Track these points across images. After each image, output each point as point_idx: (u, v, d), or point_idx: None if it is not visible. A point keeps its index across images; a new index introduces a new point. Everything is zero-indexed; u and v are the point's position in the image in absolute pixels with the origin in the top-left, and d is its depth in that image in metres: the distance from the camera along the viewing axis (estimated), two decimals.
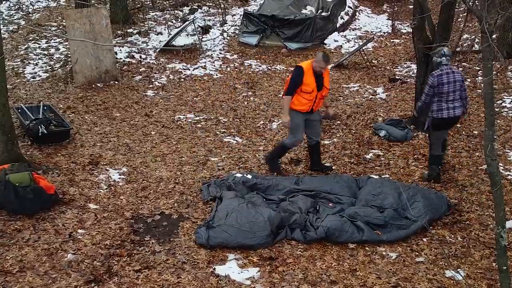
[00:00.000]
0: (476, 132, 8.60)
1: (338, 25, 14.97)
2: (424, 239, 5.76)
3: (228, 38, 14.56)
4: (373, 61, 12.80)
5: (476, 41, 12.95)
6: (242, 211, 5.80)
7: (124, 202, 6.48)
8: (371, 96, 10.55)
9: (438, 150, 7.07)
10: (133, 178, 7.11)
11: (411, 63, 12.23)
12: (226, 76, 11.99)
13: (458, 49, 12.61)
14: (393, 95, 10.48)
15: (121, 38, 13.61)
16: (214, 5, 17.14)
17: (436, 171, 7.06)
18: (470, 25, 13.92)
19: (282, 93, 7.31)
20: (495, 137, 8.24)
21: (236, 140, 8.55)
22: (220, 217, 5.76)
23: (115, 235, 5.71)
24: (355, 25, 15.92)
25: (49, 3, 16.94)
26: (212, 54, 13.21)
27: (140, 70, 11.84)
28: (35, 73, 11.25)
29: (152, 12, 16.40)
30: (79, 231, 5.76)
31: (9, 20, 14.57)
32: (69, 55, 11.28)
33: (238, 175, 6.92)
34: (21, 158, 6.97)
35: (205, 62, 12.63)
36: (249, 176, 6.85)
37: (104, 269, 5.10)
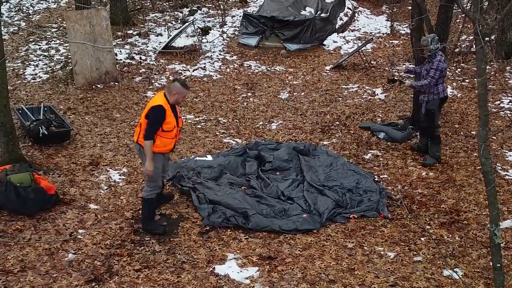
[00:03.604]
0: (474, 133, 8.65)
1: (337, 26, 15.01)
2: (422, 239, 5.81)
3: (228, 39, 14.61)
4: (372, 62, 12.84)
5: (474, 42, 12.99)
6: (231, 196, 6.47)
7: (124, 202, 6.53)
8: (370, 97, 10.60)
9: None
10: (133, 179, 7.16)
11: (409, 64, 12.28)
12: (225, 77, 12.04)
13: (456, 50, 12.67)
14: (391, 96, 10.53)
15: (121, 39, 13.66)
16: (213, 6, 17.19)
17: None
18: (469, 26, 13.95)
19: (137, 136, 5.72)
20: (494, 137, 8.30)
21: (236, 141, 8.59)
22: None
23: (116, 235, 5.76)
24: (354, 26, 15.97)
25: (50, 4, 16.99)
26: (211, 55, 13.25)
27: (140, 71, 11.89)
28: (36, 74, 11.30)
29: (152, 14, 16.45)
30: (80, 231, 5.81)
31: (11, 22, 14.61)
32: (69, 56, 11.33)
33: (198, 158, 7.56)
34: (22, 159, 7.02)
35: (204, 63, 12.68)
36: (210, 158, 7.56)
37: (104, 269, 5.14)
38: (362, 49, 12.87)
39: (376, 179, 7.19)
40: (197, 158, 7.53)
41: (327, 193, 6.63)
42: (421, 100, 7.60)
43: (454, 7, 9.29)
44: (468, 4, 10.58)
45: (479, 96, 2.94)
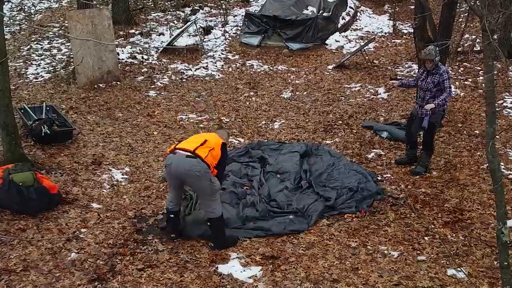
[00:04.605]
0: (477, 132, 8.63)
1: (339, 25, 15.00)
2: (426, 238, 5.78)
3: (230, 38, 14.59)
4: (374, 61, 12.82)
5: (477, 41, 12.97)
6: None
7: (127, 201, 6.51)
8: (372, 96, 10.58)
9: None
10: (136, 178, 7.14)
11: (412, 63, 12.26)
12: (228, 76, 12.02)
13: (459, 49, 12.63)
14: (394, 95, 10.51)
15: (123, 39, 13.65)
16: (215, 6, 17.18)
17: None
18: (471, 25, 13.94)
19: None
20: (497, 136, 8.26)
21: (238, 140, 8.57)
22: None
23: (118, 234, 5.74)
24: (356, 25, 15.95)
25: (51, 4, 16.99)
26: (213, 55, 13.24)
27: (142, 70, 11.88)
28: (38, 73, 11.29)
29: (154, 13, 16.44)
30: (83, 230, 5.79)
31: (14, 19, 14.59)
32: (71, 55, 11.32)
33: None
34: (24, 158, 7.00)
35: (207, 63, 12.67)
36: None
37: (107, 268, 5.12)
38: (365, 48, 12.85)
39: (379, 179, 7.16)
40: None
41: (323, 194, 6.60)
42: (422, 114, 7.09)
43: (457, 7, 9.27)
44: (472, 1, 10.52)
45: (487, 93, 2.92)
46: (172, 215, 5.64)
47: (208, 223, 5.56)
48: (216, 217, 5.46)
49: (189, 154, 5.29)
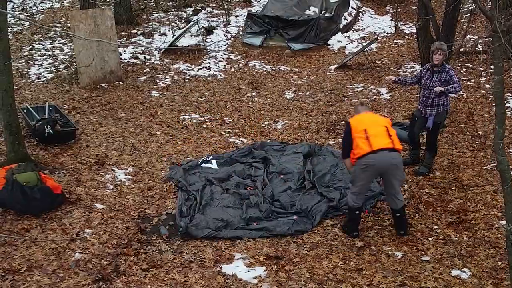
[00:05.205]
0: (480, 132, 8.61)
1: (341, 26, 14.98)
2: (430, 238, 5.78)
3: (232, 39, 14.59)
4: (376, 61, 12.81)
5: (479, 41, 12.96)
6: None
7: (130, 201, 6.51)
8: (375, 97, 10.57)
9: None
10: (139, 178, 7.14)
11: (414, 64, 12.25)
12: (230, 76, 12.02)
13: (461, 49, 12.62)
14: (397, 96, 10.49)
15: (125, 39, 13.64)
16: (217, 6, 17.17)
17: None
18: (474, 26, 13.92)
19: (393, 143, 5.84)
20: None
21: (241, 140, 8.57)
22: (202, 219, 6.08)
23: (122, 235, 5.74)
24: (358, 26, 15.94)
25: (53, 4, 16.98)
26: (216, 55, 13.24)
27: (145, 70, 11.88)
28: (40, 73, 11.29)
29: (156, 13, 16.44)
30: (86, 230, 5.79)
31: (17, 18, 14.58)
32: (74, 56, 11.32)
33: (204, 165, 7.43)
34: (27, 158, 7.01)
35: (209, 63, 12.66)
36: (215, 165, 7.42)
37: (111, 268, 5.13)
38: (367, 49, 12.84)
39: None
40: (203, 165, 7.43)
41: (327, 195, 6.61)
42: (427, 114, 7.10)
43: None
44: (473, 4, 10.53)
45: (495, 94, 2.91)
46: (358, 212, 5.83)
47: (398, 213, 5.81)
48: (404, 205, 5.83)
49: (391, 149, 5.67)
